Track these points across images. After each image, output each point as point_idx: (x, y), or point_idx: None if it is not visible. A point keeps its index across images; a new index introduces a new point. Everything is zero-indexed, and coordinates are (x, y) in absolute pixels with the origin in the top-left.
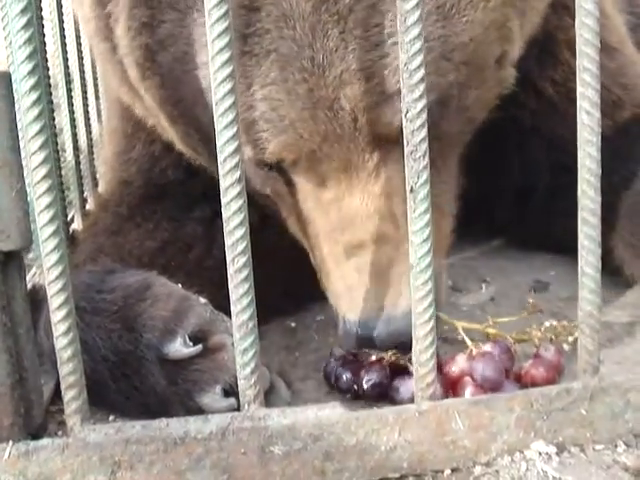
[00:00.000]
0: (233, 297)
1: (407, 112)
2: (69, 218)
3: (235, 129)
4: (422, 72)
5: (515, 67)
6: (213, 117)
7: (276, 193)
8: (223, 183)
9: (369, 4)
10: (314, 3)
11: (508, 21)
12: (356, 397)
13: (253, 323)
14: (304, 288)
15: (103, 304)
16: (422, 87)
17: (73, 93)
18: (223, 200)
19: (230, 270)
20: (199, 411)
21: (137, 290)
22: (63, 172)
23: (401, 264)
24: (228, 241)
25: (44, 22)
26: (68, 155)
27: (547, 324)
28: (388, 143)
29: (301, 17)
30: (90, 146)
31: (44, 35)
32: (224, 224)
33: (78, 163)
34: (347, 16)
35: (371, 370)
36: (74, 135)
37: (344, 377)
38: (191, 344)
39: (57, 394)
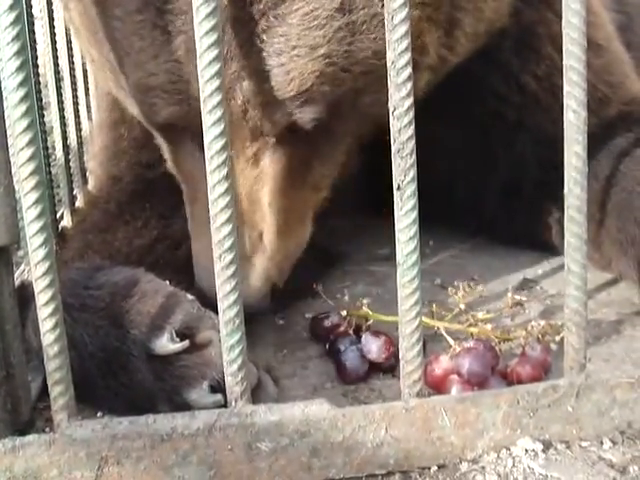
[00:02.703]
0: (220, 294)
1: (394, 110)
2: (59, 215)
3: (223, 126)
4: (409, 70)
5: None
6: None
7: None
8: (210, 180)
9: (280, 14)
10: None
11: (421, 35)
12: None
13: (240, 320)
14: (293, 285)
15: (90, 301)
16: (409, 85)
17: (63, 91)
18: (210, 197)
19: (217, 267)
20: (186, 407)
21: (124, 286)
22: (53, 170)
23: (258, 250)
24: (215, 238)
25: (34, 20)
26: (58, 152)
27: (534, 323)
28: (269, 137)
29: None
30: (80, 143)
31: (34, 33)
32: (211, 221)
33: (68, 160)
34: (258, 20)
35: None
36: (64, 133)
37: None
38: (178, 340)
39: (45, 391)
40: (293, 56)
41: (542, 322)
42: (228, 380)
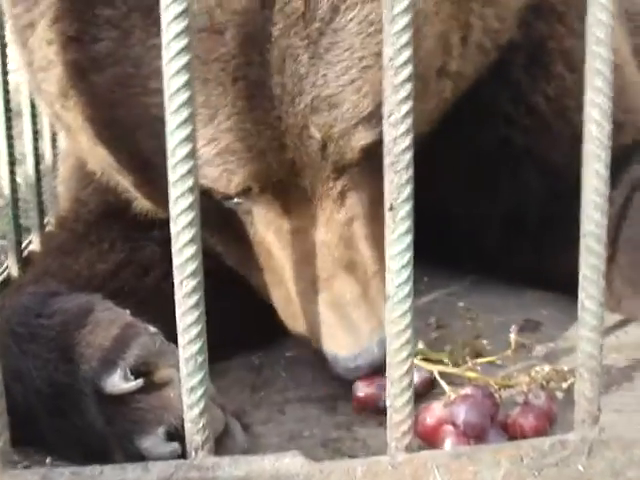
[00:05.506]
0: (180, 327)
1: (390, 116)
2: (29, 241)
3: (190, 129)
4: (410, 69)
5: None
6: (157, 144)
7: (226, 231)
8: (173, 192)
9: (340, 27)
10: (283, 26)
11: (449, 33)
12: None
13: (203, 357)
14: (272, 320)
15: (40, 330)
16: (409, 87)
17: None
18: (172, 212)
19: (178, 295)
20: (139, 456)
21: (77, 315)
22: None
23: (373, 290)
24: (176, 261)
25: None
26: (29, 169)
27: (537, 368)
28: (351, 168)
29: (269, 41)
30: (54, 165)
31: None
32: (172, 240)
33: (39, 181)
34: (318, 40)
35: None
36: (36, 157)
37: None
38: (132, 378)
39: None
40: (363, 68)
41: (547, 367)
42: (188, 427)
